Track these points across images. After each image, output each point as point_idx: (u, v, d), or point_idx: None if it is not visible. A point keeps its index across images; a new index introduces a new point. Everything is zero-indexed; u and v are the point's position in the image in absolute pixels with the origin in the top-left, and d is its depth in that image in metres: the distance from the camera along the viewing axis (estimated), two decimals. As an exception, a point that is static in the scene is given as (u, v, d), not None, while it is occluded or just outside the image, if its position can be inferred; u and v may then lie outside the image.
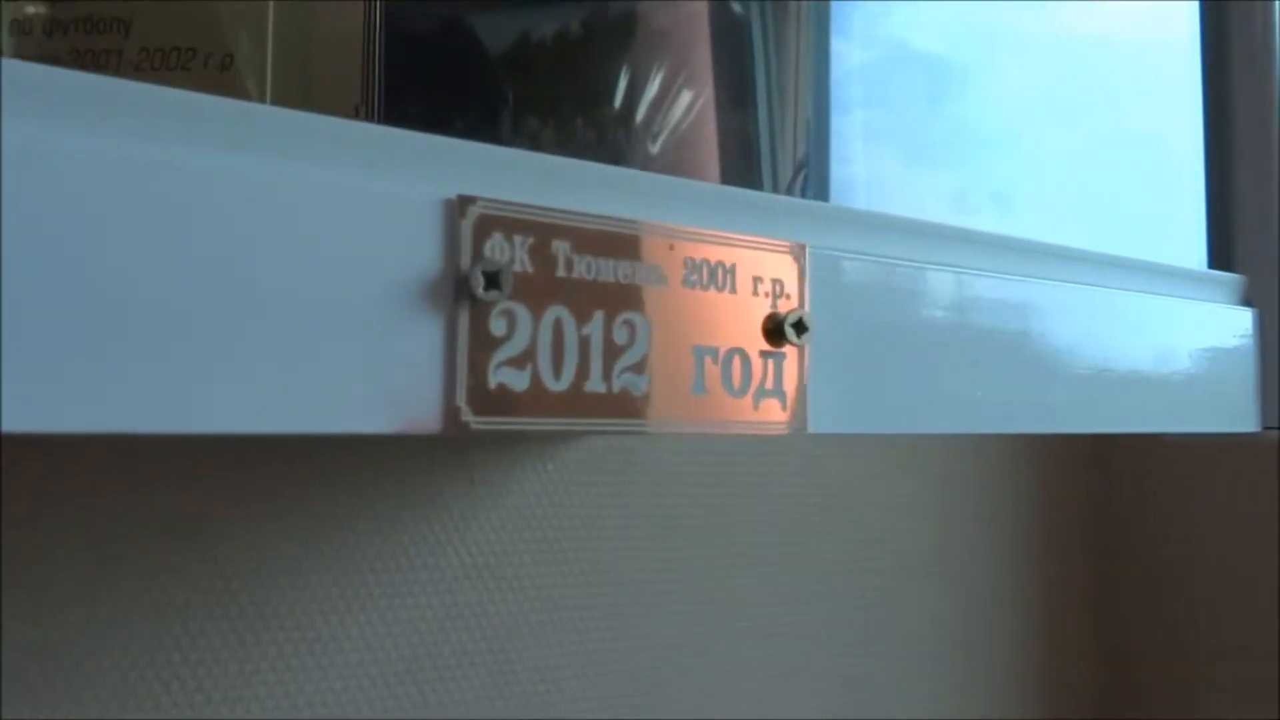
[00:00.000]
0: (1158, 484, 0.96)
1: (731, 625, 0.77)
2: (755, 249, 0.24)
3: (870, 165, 0.44)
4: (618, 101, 0.37)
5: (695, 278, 0.23)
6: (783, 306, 0.24)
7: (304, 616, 0.62)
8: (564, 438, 0.68)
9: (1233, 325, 0.37)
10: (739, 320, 0.23)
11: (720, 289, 0.23)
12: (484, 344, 0.20)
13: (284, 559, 0.62)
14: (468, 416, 0.20)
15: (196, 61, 0.31)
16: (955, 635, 0.88)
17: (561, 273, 0.21)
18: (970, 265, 0.28)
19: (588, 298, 0.21)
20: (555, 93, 0.36)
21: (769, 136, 0.38)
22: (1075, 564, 0.93)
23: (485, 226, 0.20)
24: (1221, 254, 0.38)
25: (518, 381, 0.20)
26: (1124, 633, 0.94)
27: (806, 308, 0.25)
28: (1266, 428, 0.37)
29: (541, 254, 0.21)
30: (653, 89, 0.37)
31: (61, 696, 0.55)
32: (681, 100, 0.36)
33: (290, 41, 0.33)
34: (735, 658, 0.77)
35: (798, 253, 0.25)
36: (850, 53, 0.45)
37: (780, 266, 0.24)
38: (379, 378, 0.19)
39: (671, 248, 0.23)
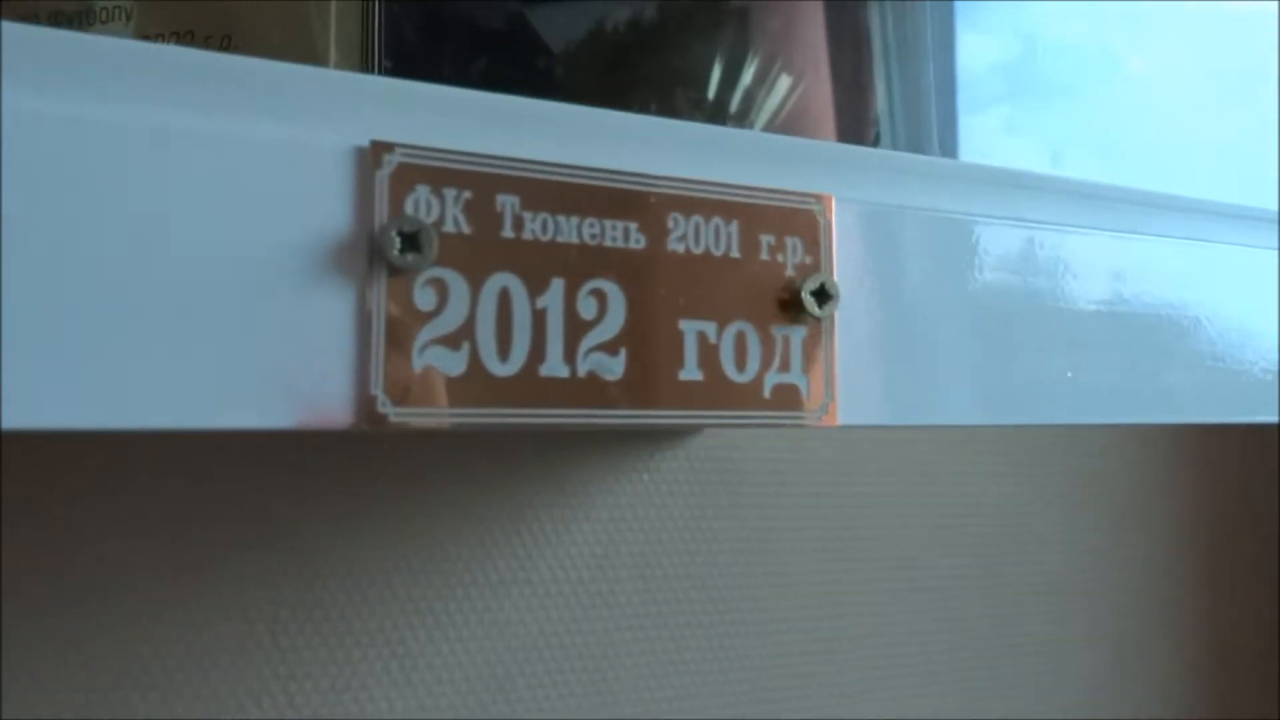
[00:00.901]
0: None
1: (845, 644, 0.72)
2: (764, 202, 0.19)
3: (1011, 161, 0.39)
4: (711, 91, 0.33)
5: (685, 238, 0.19)
6: (801, 272, 0.20)
7: (393, 631, 0.60)
8: (623, 438, 0.64)
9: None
10: (744, 288, 0.19)
11: (719, 251, 0.19)
12: (406, 319, 0.16)
13: (371, 571, 0.60)
14: (386, 408, 0.16)
15: (195, 44, 0.29)
16: (1091, 657, 0.79)
17: (508, 233, 0.17)
18: (1052, 220, 0.23)
19: (543, 263, 0.17)
20: (637, 78, 0.33)
21: (890, 126, 0.34)
22: (1245, 571, 0.83)
23: (406, 178, 0.16)
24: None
25: (451, 364, 0.17)
26: None
27: (832, 273, 0.20)
28: None
29: (482, 212, 0.17)
30: (747, 77, 0.33)
31: (151, 708, 0.55)
32: (780, 86, 0.32)
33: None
34: (849, 679, 0.72)
35: (820, 206, 0.20)
36: (988, 48, 0.40)
37: (798, 223, 0.20)
38: (276, 361, 0.16)
39: (653, 202, 0.18)
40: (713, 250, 0.19)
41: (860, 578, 0.72)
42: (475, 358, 0.17)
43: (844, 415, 0.20)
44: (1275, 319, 0.28)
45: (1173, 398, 0.24)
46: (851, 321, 0.20)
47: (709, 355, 0.19)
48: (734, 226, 0.19)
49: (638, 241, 0.18)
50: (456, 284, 0.17)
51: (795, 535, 0.71)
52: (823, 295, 0.19)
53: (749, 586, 0.69)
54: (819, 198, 0.20)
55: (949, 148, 0.36)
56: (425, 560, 0.61)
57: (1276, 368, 0.28)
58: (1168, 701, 0.81)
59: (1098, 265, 0.24)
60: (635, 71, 0.36)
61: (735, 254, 0.19)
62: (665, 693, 0.66)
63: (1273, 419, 0.31)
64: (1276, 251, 0.28)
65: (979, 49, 0.39)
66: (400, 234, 0.16)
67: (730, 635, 0.68)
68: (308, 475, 0.57)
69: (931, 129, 0.33)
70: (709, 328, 0.19)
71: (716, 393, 0.19)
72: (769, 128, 0.33)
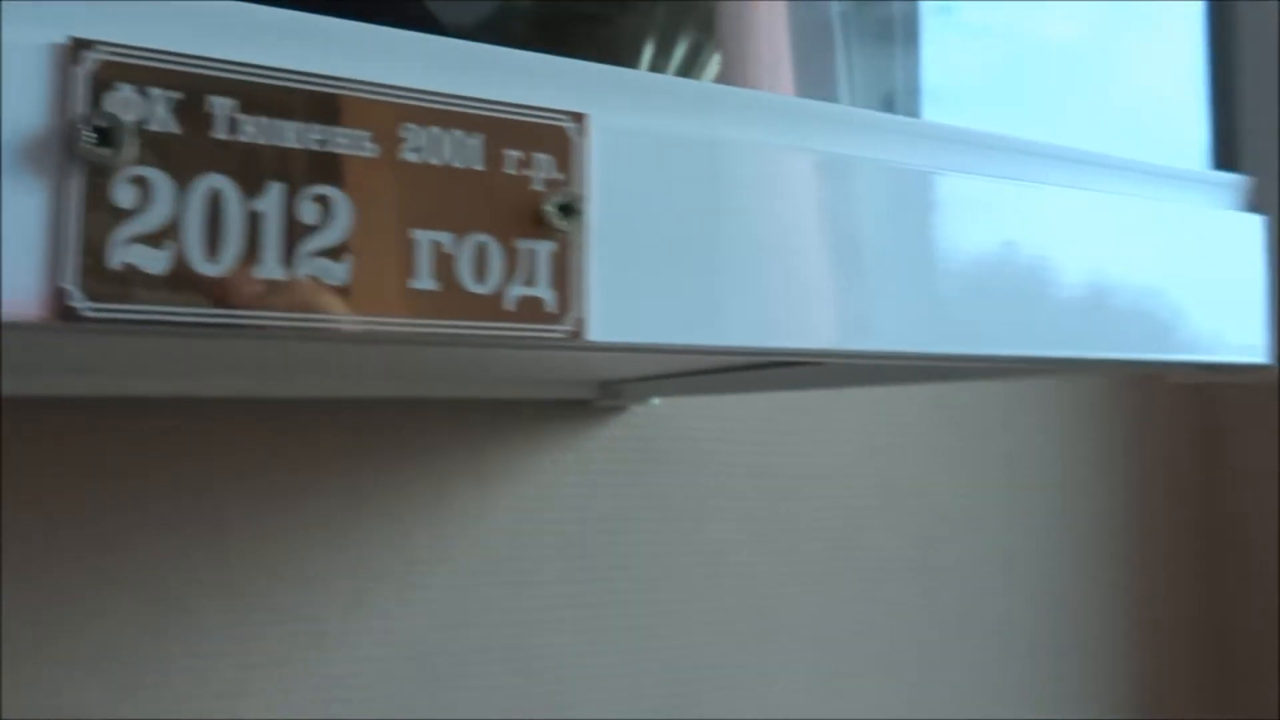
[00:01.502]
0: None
1: (770, 627, 0.71)
2: (511, 117, 0.19)
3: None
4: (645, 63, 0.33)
5: (421, 148, 0.18)
6: (552, 188, 0.20)
7: (306, 608, 0.60)
8: (547, 417, 0.63)
9: (1236, 233, 0.30)
10: (486, 201, 0.19)
11: (459, 163, 0.19)
12: (104, 215, 0.16)
13: (285, 549, 0.60)
14: (78, 301, 0.16)
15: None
16: (1024, 639, 0.79)
17: (221, 135, 0.17)
18: (820, 146, 0.23)
19: (260, 167, 0.17)
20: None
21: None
22: (1180, 562, 0.82)
23: (107, 76, 0.16)
24: (1226, 155, 0.31)
25: (152, 262, 0.16)
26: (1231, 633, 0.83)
27: (583, 189, 0.20)
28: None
29: (192, 112, 0.17)
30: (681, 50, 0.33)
31: (62, 687, 0.54)
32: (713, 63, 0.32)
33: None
34: (774, 662, 0.71)
35: (576, 125, 0.20)
36: None
37: (548, 139, 0.20)
38: (-36, 253, 0.15)
39: (386, 112, 0.18)
40: (452, 162, 0.19)
41: (792, 558, 0.72)
42: (180, 257, 0.16)
43: (597, 332, 0.20)
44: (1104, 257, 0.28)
45: (961, 328, 0.24)
46: (611, 239, 0.20)
47: (444, 265, 0.18)
48: (477, 140, 0.19)
49: (368, 150, 0.18)
50: (161, 183, 0.16)
51: (725, 515, 0.70)
52: (568, 210, 0.19)
53: (675, 567, 0.69)
54: (575, 115, 0.20)
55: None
56: (341, 538, 0.60)
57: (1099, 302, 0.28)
58: (1102, 674, 0.80)
59: (877, 194, 0.24)
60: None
61: (478, 166, 0.19)
62: (587, 671, 0.65)
63: (1127, 355, 0.31)
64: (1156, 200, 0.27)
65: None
66: (96, 129, 0.16)
67: (655, 615, 0.68)
68: (220, 455, 0.57)
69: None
70: (445, 238, 0.18)
71: (453, 303, 0.19)
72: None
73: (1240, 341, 0.29)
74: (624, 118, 0.21)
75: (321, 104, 0.18)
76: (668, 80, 0.21)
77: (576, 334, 0.19)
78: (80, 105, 0.16)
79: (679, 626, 0.68)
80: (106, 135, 0.16)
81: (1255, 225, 0.30)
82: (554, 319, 0.19)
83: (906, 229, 0.24)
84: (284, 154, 0.17)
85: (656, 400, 0.67)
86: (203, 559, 0.56)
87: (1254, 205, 0.30)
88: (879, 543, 0.74)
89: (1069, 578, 0.81)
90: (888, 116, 0.24)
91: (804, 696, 0.71)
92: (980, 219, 0.26)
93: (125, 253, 0.16)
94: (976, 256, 0.26)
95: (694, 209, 0.21)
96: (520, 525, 0.64)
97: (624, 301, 0.20)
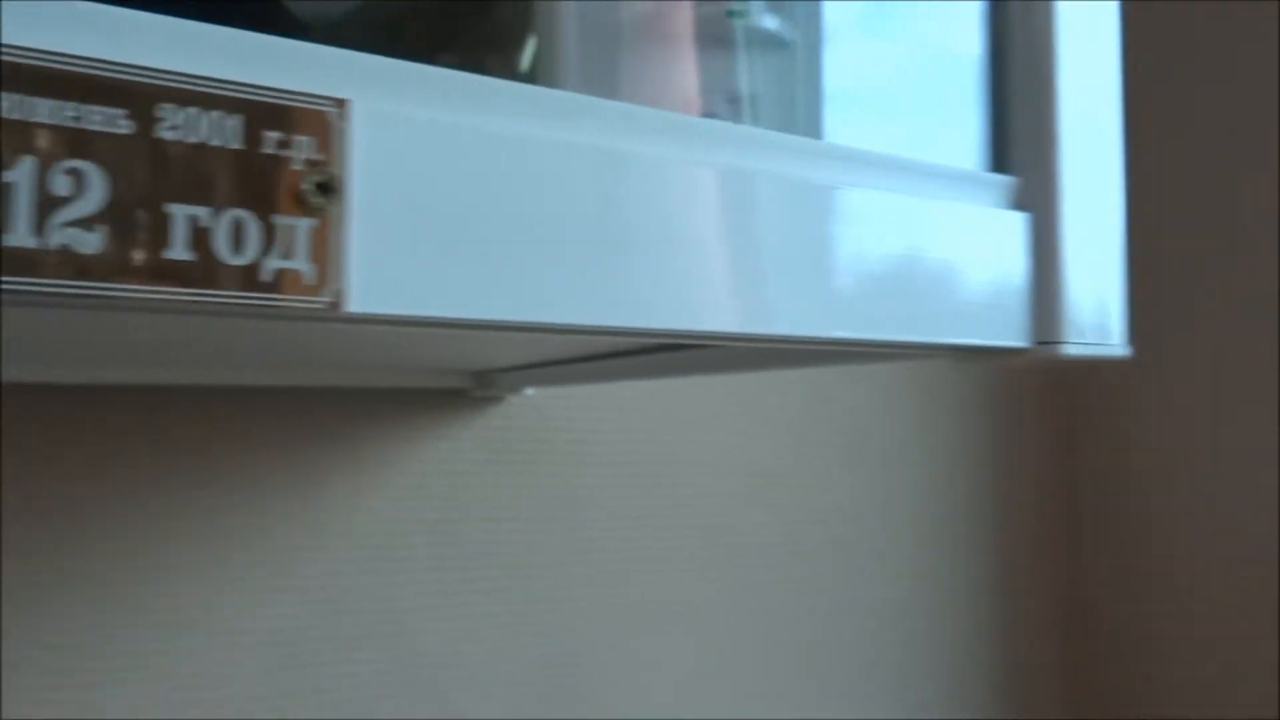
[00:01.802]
0: (1131, 472, 0.89)
1: (649, 614, 0.73)
2: (272, 100, 0.21)
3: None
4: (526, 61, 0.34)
5: (179, 127, 0.20)
6: (311, 168, 0.21)
7: (166, 598, 0.60)
8: (424, 406, 0.64)
9: (1003, 230, 0.32)
10: (245, 179, 0.20)
11: (217, 142, 0.20)
12: None
13: (154, 538, 0.60)
14: None
15: None
16: (899, 623, 0.82)
17: (-28, 110, 0.18)
18: (584, 140, 0.24)
19: (12, 141, 0.18)
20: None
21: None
22: (1042, 545, 0.86)
23: None
24: (998, 156, 0.34)
25: (-103, 228, 0.17)
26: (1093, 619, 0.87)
27: (343, 170, 0.21)
28: (1039, 343, 0.32)
29: (-58, 87, 0.18)
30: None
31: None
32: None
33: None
34: (649, 649, 0.73)
35: (336, 109, 0.21)
36: None
37: (309, 123, 0.21)
38: None
39: (141, 91, 0.20)
40: (210, 140, 0.20)
41: (665, 547, 0.74)
42: (-73, 223, 0.17)
43: (357, 303, 0.21)
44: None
45: (698, 309, 0.26)
46: (373, 217, 0.22)
47: (201, 238, 0.20)
48: (236, 120, 0.20)
49: (123, 127, 0.19)
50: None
51: (599, 504, 0.72)
52: (326, 189, 0.21)
53: (551, 553, 0.70)
54: (338, 101, 0.21)
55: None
56: (209, 527, 0.61)
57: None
58: (958, 659, 0.83)
59: (641, 183, 0.25)
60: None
61: (236, 145, 0.20)
62: (461, 658, 0.66)
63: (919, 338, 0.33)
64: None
65: None
66: None
67: (529, 604, 0.69)
68: (88, 442, 0.57)
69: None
70: (202, 212, 0.20)
71: (208, 273, 0.20)
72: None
73: (1005, 327, 0.32)
74: (389, 105, 0.22)
75: (77, 83, 0.19)
76: (434, 71, 0.23)
77: (336, 305, 0.21)
78: None
79: (553, 614, 0.69)
80: None
81: (1019, 222, 0.32)
82: (312, 290, 0.21)
83: (674, 212, 0.26)
84: (37, 129, 0.19)
85: (531, 390, 0.68)
86: (69, 548, 0.56)
87: (1020, 204, 0.33)
88: (750, 531, 0.77)
89: (936, 567, 0.84)
90: (669, 114, 0.26)
91: (678, 681, 0.73)
92: (774, 208, 0.28)
93: None
94: (756, 240, 0.28)
95: (457, 191, 0.22)
96: (394, 514, 0.65)
97: (385, 275, 0.21)
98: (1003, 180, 0.33)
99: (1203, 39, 0.85)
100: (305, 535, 0.62)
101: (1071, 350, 0.32)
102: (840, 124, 0.34)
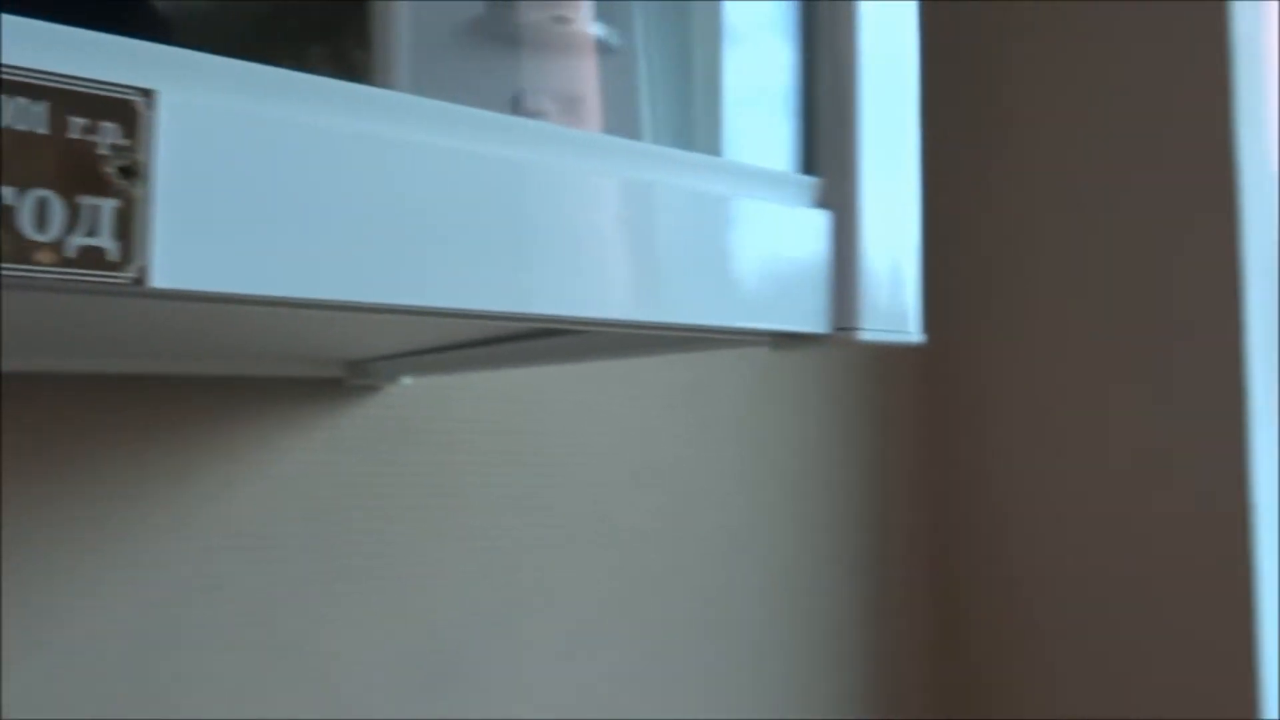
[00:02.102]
0: (995, 459, 0.94)
1: (524, 601, 0.75)
2: (78, 89, 0.22)
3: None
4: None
5: (-16, 112, 0.21)
6: (117, 152, 0.23)
7: (42, 587, 0.60)
8: (301, 394, 0.65)
9: (806, 227, 0.35)
10: (50, 161, 0.22)
11: (23, 127, 0.22)
12: None
13: (18, 524, 0.60)
14: None
15: None
16: (775, 609, 0.84)
17: None
18: (384, 132, 0.26)
19: None
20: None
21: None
22: (909, 531, 0.90)
23: None
24: (807, 159, 0.37)
25: None
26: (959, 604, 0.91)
27: (148, 155, 0.23)
28: (838, 329, 0.35)
29: None
30: None
31: None
32: None
33: None
34: (529, 634, 0.74)
35: (143, 99, 0.23)
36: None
37: (115, 110, 0.23)
38: None
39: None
40: (14, 125, 0.21)
41: (544, 534, 0.76)
42: None
43: (161, 279, 0.23)
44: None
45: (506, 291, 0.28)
46: (179, 199, 0.23)
47: (6, 216, 0.21)
48: (41, 107, 0.22)
49: (-74, 110, 0.21)
50: None
51: (478, 494, 0.74)
52: (130, 172, 0.22)
53: (428, 544, 0.71)
54: (145, 91, 0.23)
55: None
56: (78, 514, 0.61)
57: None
58: (834, 642, 0.86)
59: (449, 174, 0.28)
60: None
61: (41, 130, 0.22)
62: (333, 645, 0.67)
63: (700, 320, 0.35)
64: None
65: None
66: None
67: (408, 591, 0.70)
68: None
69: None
70: (7, 192, 0.21)
71: (14, 249, 0.21)
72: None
73: (806, 314, 0.35)
74: (201, 96, 0.24)
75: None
76: (245, 65, 0.24)
77: (140, 280, 0.22)
78: None
79: (432, 602, 0.71)
80: None
81: (821, 219, 0.35)
82: (116, 266, 0.22)
83: (487, 203, 0.28)
84: None
85: (408, 380, 0.70)
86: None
87: (823, 203, 0.36)
88: (628, 519, 0.79)
89: (808, 555, 0.87)
90: (482, 111, 0.28)
91: (557, 665, 0.75)
92: (588, 202, 0.31)
93: None
94: (573, 230, 0.30)
95: (261, 177, 0.24)
96: (269, 502, 0.66)
97: (189, 253, 0.23)
98: (808, 181, 0.36)
99: (1034, 37, 0.90)
100: (179, 522, 0.62)
101: (867, 336, 0.35)
102: (668, 127, 0.37)
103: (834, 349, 0.34)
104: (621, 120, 0.35)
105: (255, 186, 0.24)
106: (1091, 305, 0.87)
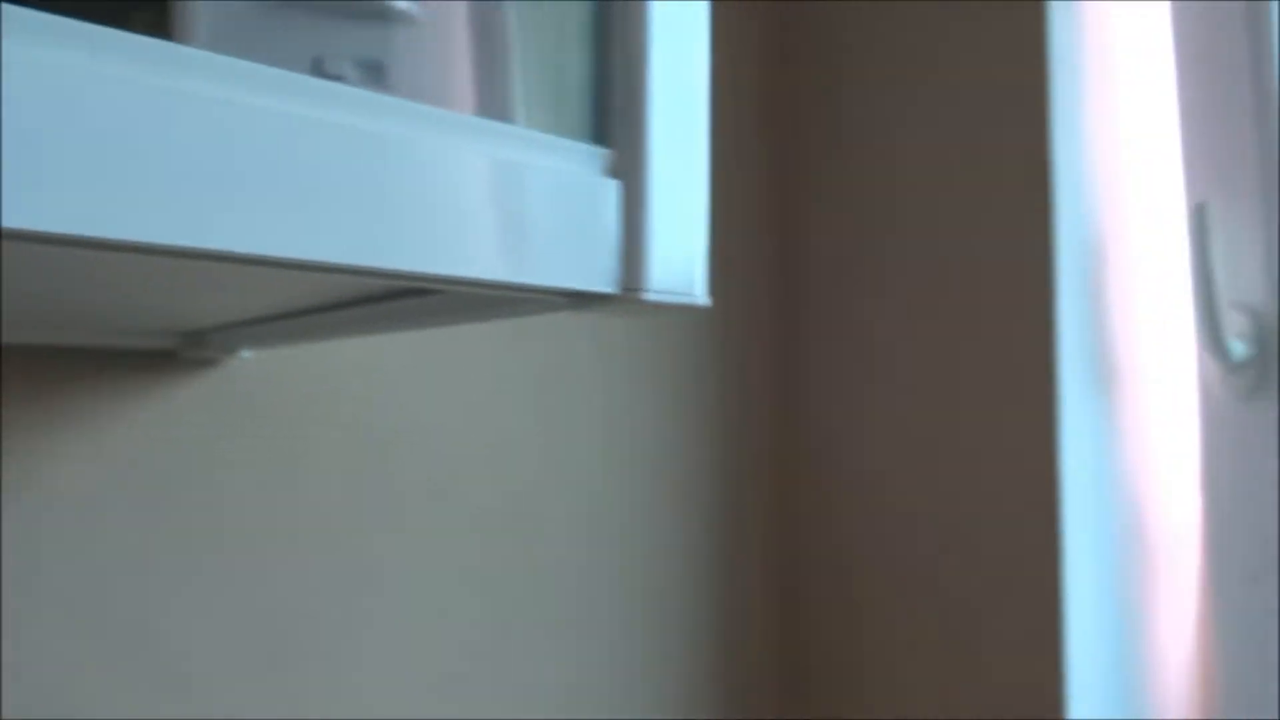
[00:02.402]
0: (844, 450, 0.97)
1: (370, 577, 0.75)
2: None
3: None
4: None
5: None
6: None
7: None
8: (133, 366, 0.64)
9: (596, 194, 0.38)
10: None
11: None
12: None
13: None
14: None
15: None
16: (608, 589, 0.87)
17: None
18: (182, 86, 0.28)
19: None
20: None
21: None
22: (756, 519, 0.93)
23: None
24: (600, 130, 0.40)
25: None
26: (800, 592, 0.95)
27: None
28: (626, 289, 0.38)
29: None
30: None
31: None
32: None
33: None
34: (374, 609, 0.75)
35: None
36: None
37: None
38: None
39: None
40: None
41: (391, 510, 0.77)
42: None
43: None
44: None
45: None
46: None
47: None
48: None
49: None
50: None
51: (320, 469, 0.74)
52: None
53: (265, 520, 0.71)
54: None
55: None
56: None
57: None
58: (684, 623, 0.88)
59: (240, 126, 0.30)
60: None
61: None
62: (165, 624, 0.67)
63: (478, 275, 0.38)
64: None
65: None
66: None
67: (243, 569, 0.70)
68: None
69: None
70: None
71: None
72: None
73: (595, 275, 0.38)
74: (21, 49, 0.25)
75: None
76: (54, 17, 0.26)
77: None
78: None
79: (270, 582, 0.71)
80: None
81: (611, 188, 0.38)
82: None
83: (279, 159, 0.30)
84: None
85: (247, 353, 0.70)
86: None
87: (614, 172, 0.39)
88: (478, 495, 0.81)
89: (657, 535, 0.90)
90: (280, 72, 0.30)
91: (399, 645, 0.76)
92: (384, 163, 0.33)
93: None
94: (370, 188, 0.32)
95: (58, 123, 0.26)
96: (96, 478, 0.65)
97: (18, 192, 0.25)
98: (599, 152, 0.39)
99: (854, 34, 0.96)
100: (4, 497, 0.61)
101: (653, 297, 0.38)
102: (473, 98, 0.39)
103: (625, 310, 0.37)
104: (424, 89, 0.38)
105: (49, 131, 0.26)
106: (922, 302, 0.93)
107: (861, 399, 0.95)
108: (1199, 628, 0.90)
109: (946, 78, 0.92)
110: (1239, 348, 0.87)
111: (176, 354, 0.67)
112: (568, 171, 0.37)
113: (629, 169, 0.38)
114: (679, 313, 0.40)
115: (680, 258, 0.39)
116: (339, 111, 0.32)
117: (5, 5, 0.26)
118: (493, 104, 0.38)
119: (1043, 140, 0.86)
